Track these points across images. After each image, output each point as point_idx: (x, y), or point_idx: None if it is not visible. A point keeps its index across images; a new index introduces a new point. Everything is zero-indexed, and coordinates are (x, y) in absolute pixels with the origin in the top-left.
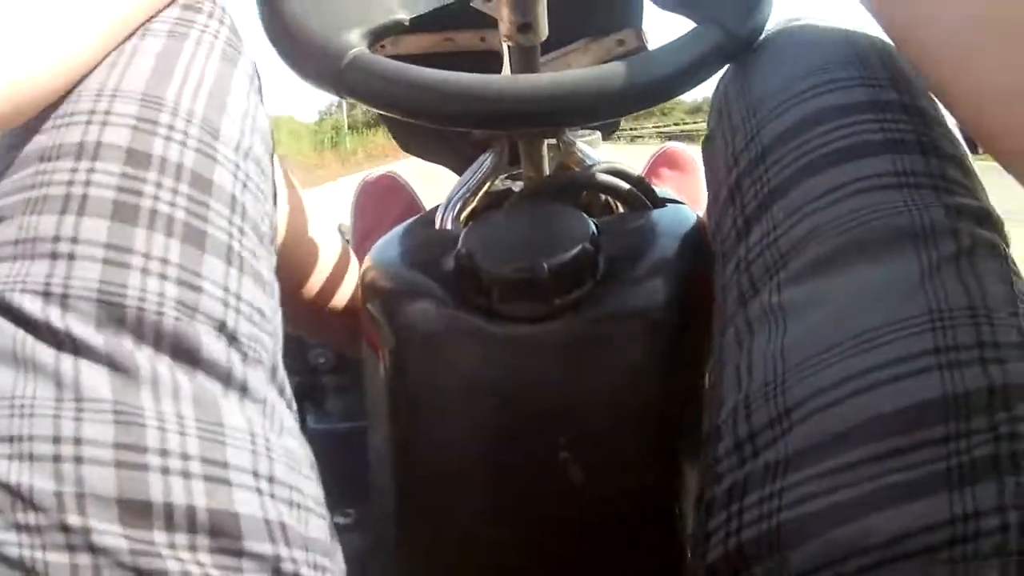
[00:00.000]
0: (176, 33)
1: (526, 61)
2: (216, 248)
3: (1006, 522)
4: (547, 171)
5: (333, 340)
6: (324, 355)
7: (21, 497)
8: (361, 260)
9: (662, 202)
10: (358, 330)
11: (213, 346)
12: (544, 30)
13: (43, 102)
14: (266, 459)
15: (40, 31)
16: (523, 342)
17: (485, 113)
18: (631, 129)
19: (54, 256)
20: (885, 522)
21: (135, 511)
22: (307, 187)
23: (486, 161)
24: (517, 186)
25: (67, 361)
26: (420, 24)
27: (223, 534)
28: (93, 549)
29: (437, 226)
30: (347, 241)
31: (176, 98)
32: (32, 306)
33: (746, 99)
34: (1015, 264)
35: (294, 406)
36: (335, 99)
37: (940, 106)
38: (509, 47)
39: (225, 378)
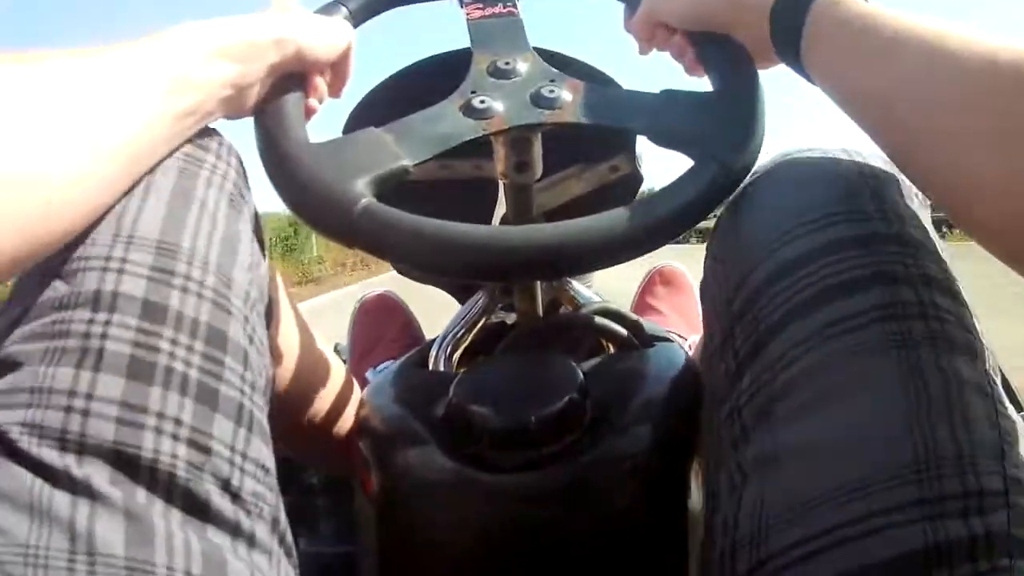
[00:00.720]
0: (187, 172)
1: (522, 199)
2: (227, 407)
3: None
4: (540, 306)
5: (328, 463)
6: (316, 476)
7: None
8: (359, 380)
9: (651, 341)
10: (350, 460)
11: (219, 503)
12: (539, 169)
13: (58, 244)
14: None
15: (55, 171)
16: (512, 490)
17: (497, 266)
18: None
19: (68, 410)
20: None
21: None
22: None
23: (479, 300)
24: (511, 318)
25: (83, 511)
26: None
27: None
28: None
29: (431, 365)
30: (344, 361)
31: (191, 244)
32: (49, 454)
33: (736, 243)
34: (1002, 398)
35: (294, 553)
36: None
37: (931, 232)
38: (504, 185)
39: (233, 531)
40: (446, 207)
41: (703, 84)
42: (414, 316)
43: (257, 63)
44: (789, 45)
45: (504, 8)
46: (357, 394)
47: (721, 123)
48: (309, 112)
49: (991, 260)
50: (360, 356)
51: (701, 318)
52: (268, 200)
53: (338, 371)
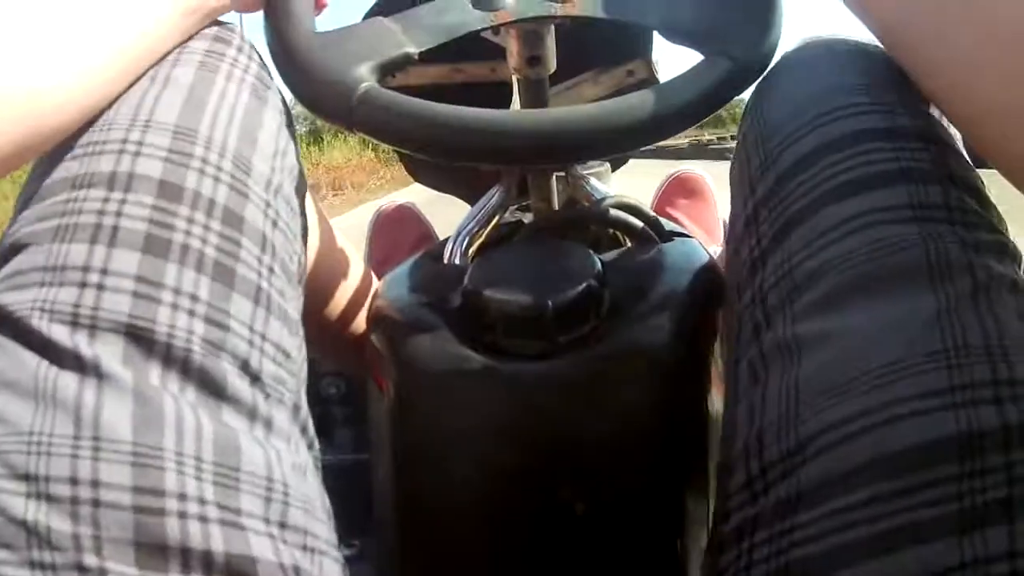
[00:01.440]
0: (207, 64)
1: (535, 94)
2: (245, 287)
3: (1016, 568)
4: (556, 204)
5: (345, 364)
6: (335, 385)
7: (38, 535)
8: None
9: (669, 236)
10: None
11: (237, 384)
12: (553, 63)
13: (66, 129)
14: (281, 505)
15: (64, 56)
16: (527, 379)
17: (495, 149)
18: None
19: (83, 285)
20: (894, 566)
21: (152, 554)
22: None
23: (495, 194)
24: (527, 218)
25: (89, 394)
26: (430, 55)
27: None
28: None
29: (446, 260)
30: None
31: (209, 131)
32: (59, 333)
33: (762, 126)
34: None
35: (316, 445)
36: None
37: (955, 134)
38: (518, 80)
39: (250, 414)
40: None
41: None
42: (432, 227)
43: None
44: None
45: None
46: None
47: (736, 19)
48: (319, 5)
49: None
50: (377, 266)
51: (721, 227)
52: None
53: (358, 268)
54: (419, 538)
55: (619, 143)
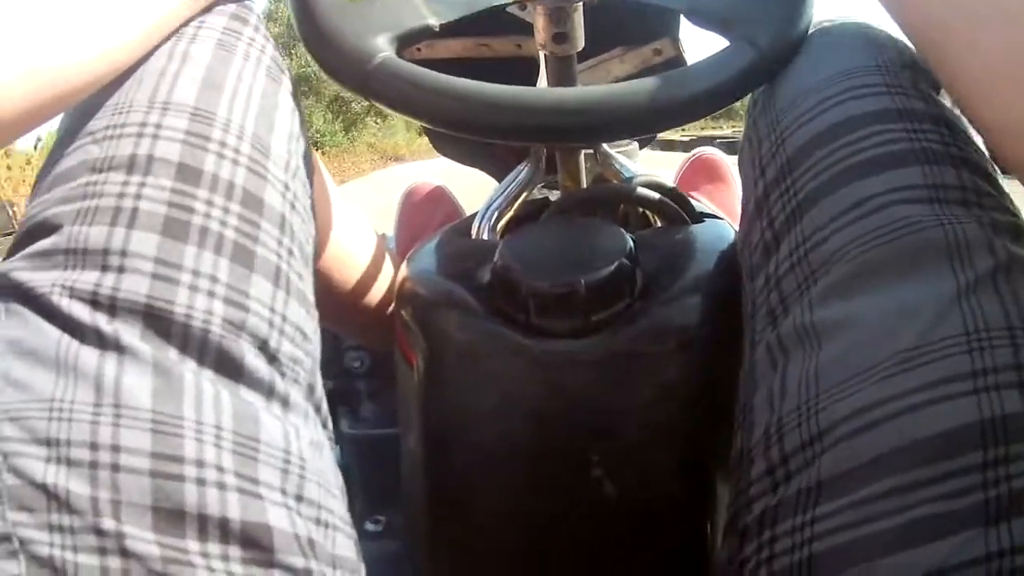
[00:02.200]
0: (224, 44)
1: (562, 70)
2: (264, 268)
3: None
4: (584, 182)
5: (367, 340)
6: (360, 358)
7: (57, 499)
8: None
9: (700, 217)
10: (392, 334)
11: (255, 363)
12: (580, 40)
13: (85, 94)
14: (297, 478)
15: (84, 25)
16: (558, 357)
17: (506, 124)
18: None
19: (104, 268)
20: (920, 558)
21: (169, 519)
22: None
23: (523, 171)
24: (554, 195)
25: (110, 365)
26: (456, 30)
27: (255, 546)
28: (125, 553)
29: (474, 235)
30: (390, 249)
31: (227, 114)
32: (80, 310)
33: (772, 107)
34: None
35: (330, 424)
36: None
37: (965, 120)
38: (545, 56)
39: (268, 392)
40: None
41: None
42: (460, 205)
43: None
44: None
45: None
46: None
47: (765, 6)
48: None
49: None
50: (406, 245)
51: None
52: None
53: (379, 245)
54: (447, 513)
55: (634, 126)
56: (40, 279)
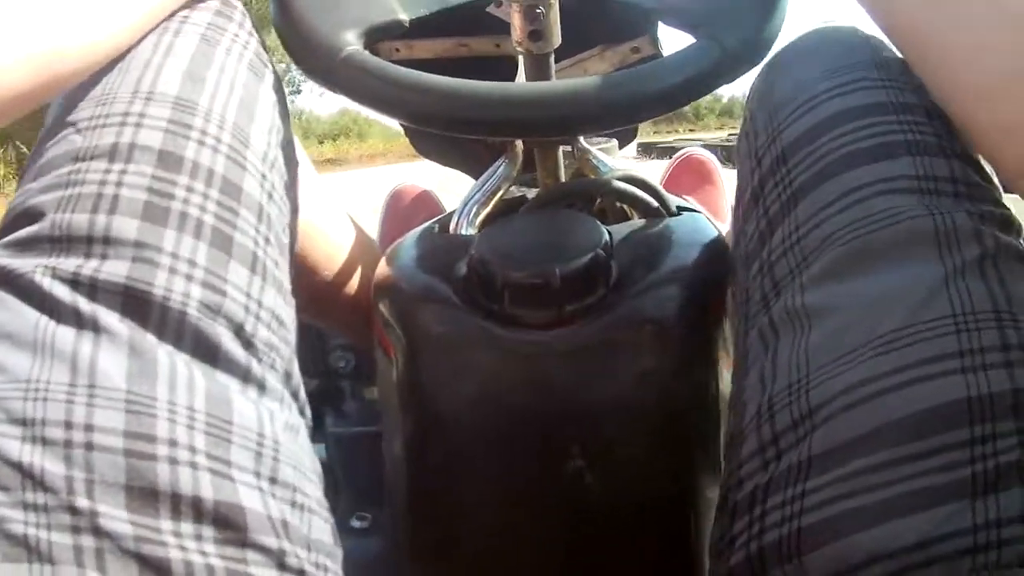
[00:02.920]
0: (208, 38)
1: (538, 68)
2: (242, 254)
3: None
4: (563, 178)
5: (352, 335)
6: (344, 358)
7: (31, 477)
8: None
9: (678, 211)
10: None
11: (231, 347)
12: (556, 38)
13: (82, 73)
14: (271, 460)
15: (81, 2)
16: (533, 348)
17: (465, 117)
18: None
19: (86, 254)
20: (906, 529)
21: (142, 497)
22: None
23: (501, 167)
24: (532, 193)
25: (85, 345)
26: (434, 29)
27: (228, 526)
28: (98, 532)
29: (452, 231)
30: (373, 247)
31: (209, 104)
32: (60, 290)
33: (769, 101)
34: None
35: (307, 411)
36: None
37: None
38: (522, 54)
39: (243, 376)
40: None
41: None
42: (443, 204)
43: None
44: None
45: None
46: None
47: (736, 8)
48: None
49: None
50: (388, 244)
51: (729, 210)
52: None
53: (361, 239)
54: (428, 506)
55: (593, 122)
56: (22, 263)
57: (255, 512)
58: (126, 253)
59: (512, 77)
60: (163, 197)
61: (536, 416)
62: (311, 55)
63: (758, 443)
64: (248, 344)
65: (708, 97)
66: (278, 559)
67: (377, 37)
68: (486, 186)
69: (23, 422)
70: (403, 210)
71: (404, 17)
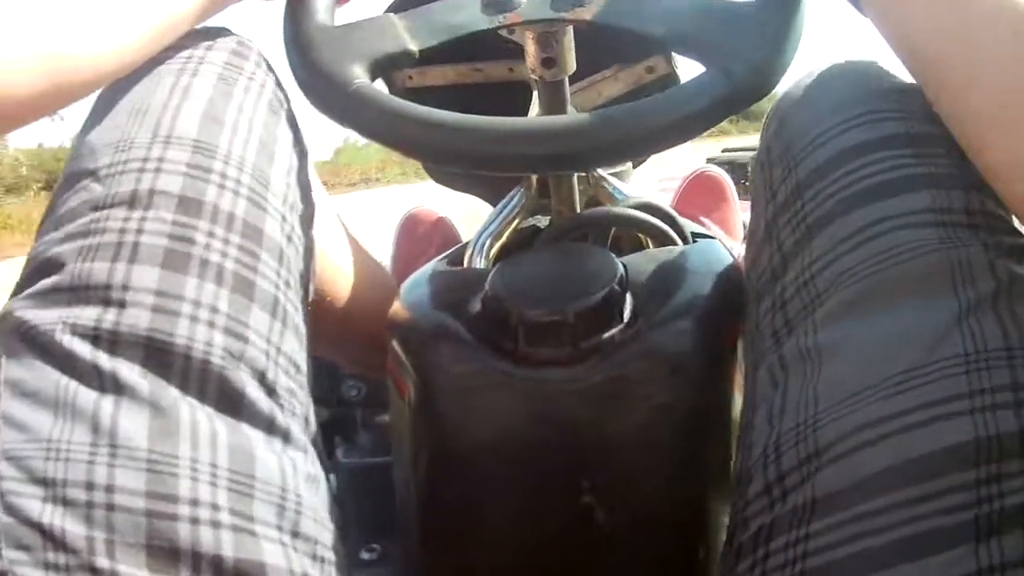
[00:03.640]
0: (225, 78)
1: (552, 95)
2: (263, 300)
3: None
4: (578, 206)
5: (365, 368)
6: (356, 387)
7: (52, 538)
8: None
9: (692, 237)
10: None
11: (255, 395)
12: (570, 65)
13: (94, 84)
14: (293, 514)
15: (96, 10)
16: (548, 386)
17: (468, 153)
18: None
19: (106, 303)
20: (910, 574)
21: (163, 557)
22: None
23: (515, 197)
24: (544, 223)
25: (107, 406)
26: (446, 55)
27: None
28: None
29: (466, 264)
30: (386, 276)
31: (228, 146)
32: (81, 348)
33: (785, 134)
34: None
35: (324, 457)
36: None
37: None
38: (535, 81)
39: (267, 427)
40: (480, 110)
41: None
42: (458, 231)
43: None
44: None
45: None
46: None
47: (747, 38)
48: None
49: None
50: (401, 269)
51: (742, 228)
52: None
53: (373, 269)
54: (440, 542)
55: (597, 158)
56: (43, 317)
57: (276, 568)
58: (147, 302)
59: (527, 101)
60: (184, 243)
61: (551, 452)
62: (321, 89)
63: (764, 483)
64: (271, 391)
65: None
66: None
67: (386, 68)
68: (501, 216)
69: (44, 482)
70: (417, 235)
71: (414, 48)
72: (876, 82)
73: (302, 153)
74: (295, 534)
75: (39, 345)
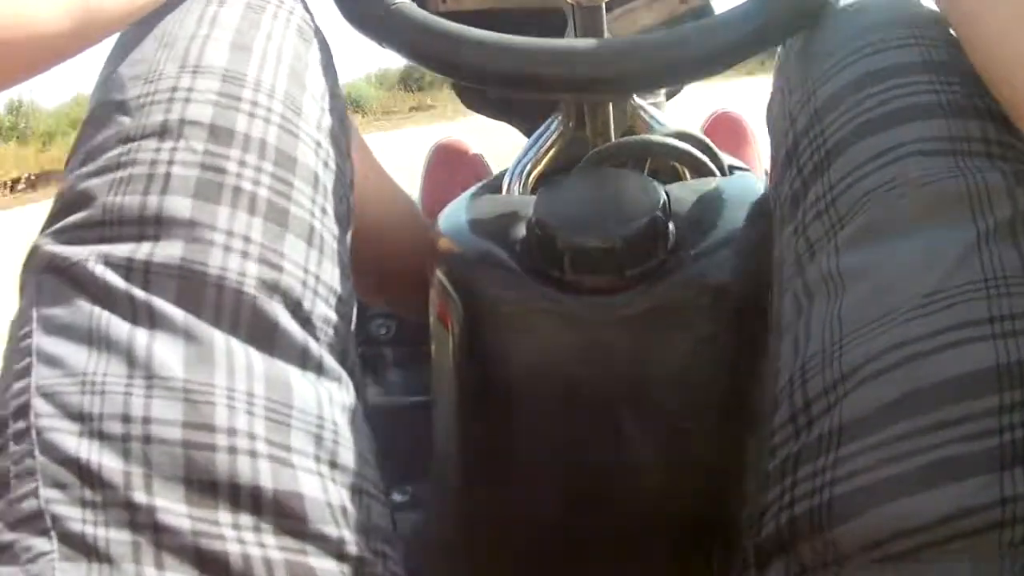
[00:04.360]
0: (253, 6)
1: (589, 21)
2: (298, 227)
3: None
4: (613, 135)
5: (396, 306)
6: (386, 325)
7: (89, 474)
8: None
9: (729, 169)
10: (424, 296)
11: (289, 326)
12: None
13: (122, 20)
14: (331, 444)
15: None
16: (595, 314)
17: (517, 74)
18: None
19: (139, 235)
20: (933, 501)
21: (201, 490)
22: None
23: (552, 125)
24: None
25: (141, 336)
26: None
27: (288, 515)
28: (156, 528)
29: (504, 191)
30: (416, 211)
31: (258, 73)
32: (114, 279)
33: (804, 58)
34: None
35: (364, 389)
36: None
37: None
38: (572, 6)
39: (301, 358)
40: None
41: None
42: (487, 164)
43: None
44: None
45: None
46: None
47: None
48: None
49: None
50: (431, 200)
51: (765, 170)
52: None
53: (409, 207)
54: (483, 473)
55: (643, 81)
56: (75, 251)
57: (314, 500)
58: (180, 233)
59: (561, 30)
60: (216, 172)
61: (594, 381)
62: (359, 7)
63: (790, 411)
64: (306, 322)
65: None
66: (337, 548)
67: None
68: (538, 145)
69: (80, 416)
70: (443, 168)
71: None
72: (896, 9)
73: (334, 79)
74: (332, 464)
75: (71, 278)
